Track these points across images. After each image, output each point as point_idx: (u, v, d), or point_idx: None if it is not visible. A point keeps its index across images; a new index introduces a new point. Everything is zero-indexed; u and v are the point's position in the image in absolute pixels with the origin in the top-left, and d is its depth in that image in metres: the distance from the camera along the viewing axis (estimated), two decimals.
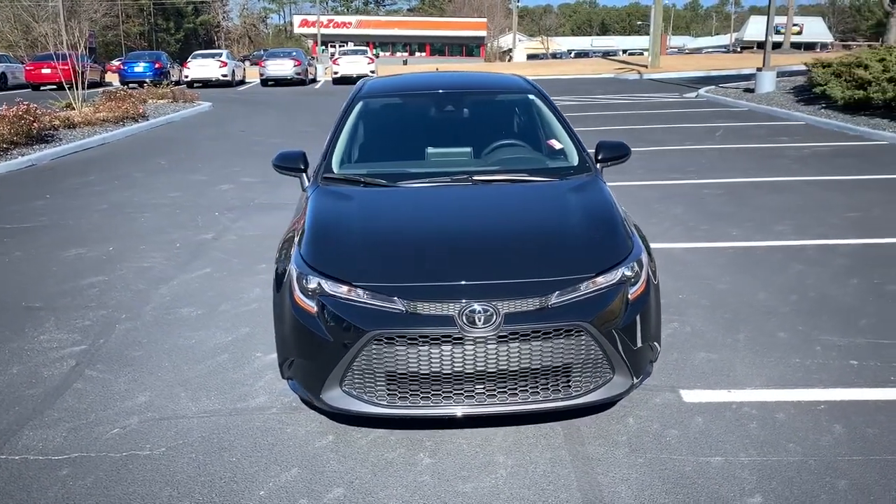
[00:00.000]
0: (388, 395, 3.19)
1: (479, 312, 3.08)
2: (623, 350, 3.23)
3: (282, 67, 31.99)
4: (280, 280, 3.55)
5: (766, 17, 19.57)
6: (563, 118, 4.67)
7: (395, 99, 4.91)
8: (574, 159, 4.31)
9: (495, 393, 3.17)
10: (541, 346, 3.11)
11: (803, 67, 22.79)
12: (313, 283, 3.30)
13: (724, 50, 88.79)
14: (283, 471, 3.19)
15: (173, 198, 8.99)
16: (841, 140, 12.32)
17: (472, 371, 3.12)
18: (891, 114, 13.39)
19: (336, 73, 32.76)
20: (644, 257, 3.46)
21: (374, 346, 3.11)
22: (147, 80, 26.60)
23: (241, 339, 4.60)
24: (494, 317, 3.08)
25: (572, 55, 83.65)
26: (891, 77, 13.59)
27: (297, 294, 3.34)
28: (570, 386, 3.21)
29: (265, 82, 32.63)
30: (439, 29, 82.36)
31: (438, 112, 4.87)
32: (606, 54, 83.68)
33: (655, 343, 3.49)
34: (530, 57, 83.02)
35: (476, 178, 4.04)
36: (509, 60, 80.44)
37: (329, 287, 3.26)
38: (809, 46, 77.22)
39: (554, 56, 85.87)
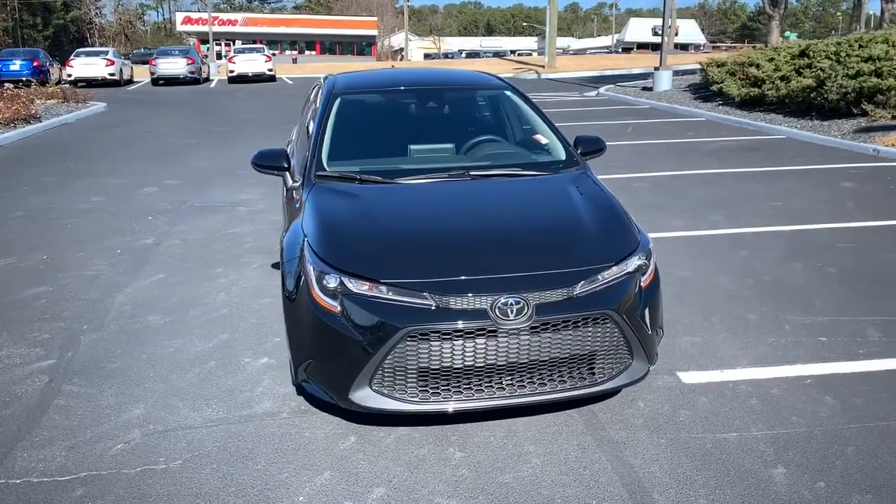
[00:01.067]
0: (420, 391, 3.18)
1: (512, 304, 3.11)
2: (640, 336, 3.35)
3: (174, 66, 30.79)
4: (293, 281, 3.46)
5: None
6: (541, 113, 4.77)
7: (374, 96, 4.86)
8: (560, 153, 4.41)
9: (525, 384, 3.22)
10: (570, 335, 3.19)
11: (692, 66, 24.09)
12: (334, 281, 3.24)
13: (606, 51, 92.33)
14: (316, 475, 3.12)
15: (98, 202, 8.53)
16: (743, 135, 13.09)
17: (504, 363, 3.15)
18: (784, 109, 14.34)
19: (232, 71, 31.85)
20: (651, 247, 3.60)
21: (407, 343, 3.09)
22: (24, 78, 24.98)
23: (223, 346, 4.45)
24: (526, 308, 3.12)
25: (463, 55, 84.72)
26: (783, 75, 14.56)
27: (318, 294, 3.27)
28: (594, 373, 3.30)
29: (156, 81, 31.32)
30: (330, 27, 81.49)
31: (420, 108, 4.86)
32: (497, 54, 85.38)
33: (660, 328, 3.64)
34: (427, 56, 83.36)
35: (473, 173, 4.07)
36: (401, 59, 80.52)
37: (353, 285, 3.21)
38: (684, 47, 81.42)
39: (446, 56, 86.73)
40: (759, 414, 3.53)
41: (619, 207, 3.83)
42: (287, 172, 4.34)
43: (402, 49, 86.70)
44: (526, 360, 3.16)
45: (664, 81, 19.89)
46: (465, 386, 3.18)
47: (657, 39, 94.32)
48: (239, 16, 78.30)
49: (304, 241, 3.53)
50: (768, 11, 26.40)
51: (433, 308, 3.12)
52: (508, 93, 4.96)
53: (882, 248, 6.14)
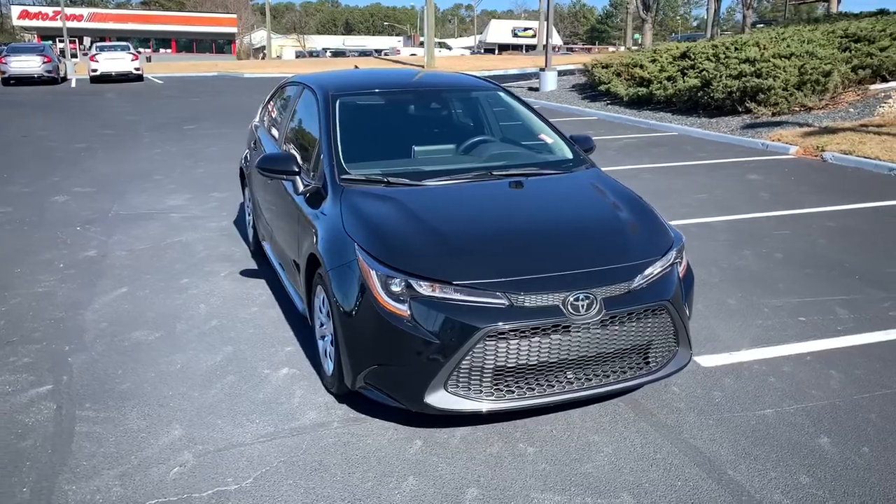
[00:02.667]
0: (495, 389, 3.22)
1: (583, 300, 3.22)
2: (685, 324, 3.55)
3: (29, 64, 28.52)
4: (347, 287, 3.39)
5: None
6: (536, 112, 4.89)
7: (371, 98, 4.80)
8: (567, 152, 4.55)
9: (590, 376, 3.33)
10: (633, 326, 3.33)
11: (570, 67, 25.10)
12: (400, 285, 3.22)
13: (470, 51, 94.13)
14: (400, 481, 3.09)
15: (7, 213, 7.85)
16: (639, 132, 13.83)
17: (574, 357, 3.25)
18: (671, 108, 15.27)
19: (95, 70, 29.90)
20: (684, 240, 3.81)
21: (486, 343, 3.12)
22: None
23: (233, 359, 4.27)
24: (595, 303, 3.23)
25: (328, 54, 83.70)
26: (669, 76, 15.50)
27: (383, 298, 3.23)
28: (648, 363, 3.46)
29: (7, 81, 28.90)
30: (186, 24, 78.26)
31: (419, 110, 4.86)
32: (363, 54, 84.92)
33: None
34: (299, 55, 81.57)
35: (496, 173, 4.13)
36: (262, 57, 78.47)
37: (423, 288, 3.20)
38: (529, 48, 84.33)
39: (311, 54, 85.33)
40: (782, 390, 3.82)
41: (648, 204, 4.02)
42: (297, 176, 4.22)
43: (264, 47, 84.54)
44: (594, 354, 3.27)
45: (550, 81, 20.62)
46: (537, 382, 3.25)
47: (518, 41, 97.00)
48: (85, 11, 73.32)
49: (354, 246, 3.46)
50: (642, 15, 28.00)
51: (508, 306, 3.16)
52: (501, 93, 5.05)
53: (811, 234, 6.73)
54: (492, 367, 3.17)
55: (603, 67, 18.09)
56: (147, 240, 6.80)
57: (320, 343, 3.98)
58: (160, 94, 23.72)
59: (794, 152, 11.06)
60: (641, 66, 16.70)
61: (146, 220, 7.51)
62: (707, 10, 34.67)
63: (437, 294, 3.20)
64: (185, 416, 3.64)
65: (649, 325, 3.38)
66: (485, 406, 3.21)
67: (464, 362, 3.15)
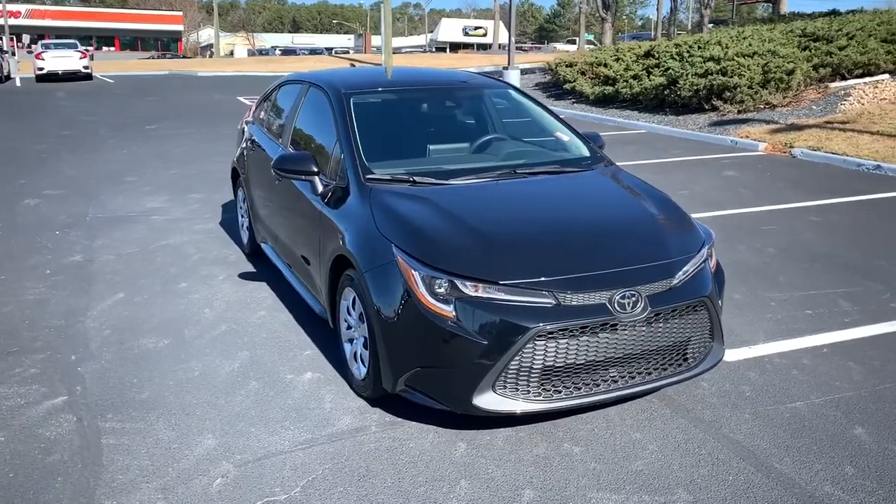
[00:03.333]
0: (543, 390, 3.20)
1: (629, 297, 3.22)
2: (719, 320, 3.58)
3: None
4: (386, 289, 3.33)
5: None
6: (547, 109, 4.88)
7: (383, 96, 4.72)
8: (583, 150, 4.55)
9: (634, 374, 3.33)
10: (676, 323, 3.34)
11: (529, 66, 25.24)
12: (444, 286, 3.18)
13: (421, 50, 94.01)
14: (453, 485, 3.05)
15: None
16: (609, 130, 13.96)
17: (620, 355, 3.25)
18: (637, 106, 15.48)
19: (41, 69, 28.93)
20: (714, 237, 3.85)
21: (535, 343, 3.10)
22: None
23: (252, 365, 4.16)
24: (640, 300, 3.24)
25: (278, 52, 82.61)
26: (635, 74, 15.70)
27: (428, 300, 3.18)
28: (687, 359, 3.48)
29: None
30: (130, 22, 76.54)
31: (432, 108, 4.80)
32: (314, 52, 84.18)
33: None
34: (252, 53, 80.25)
35: (519, 171, 4.11)
36: (210, 56, 77.01)
37: (468, 288, 3.16)
38: (485, 47, 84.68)
39: (261, 52, 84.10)
40: (808, 383, 3.89)
41: (675, 201, 4.04)
42: (316, 177, 4.12)
43: (211, 45, 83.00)
44: (639, 351, 3.28)
45: (513, 80, 20.67)
46: (583, 381, 3.24)
47: (469, 40, 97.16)
48: (23, 7, 70.91)
49: (391, 247, 3.40)
50: (601, 14, 28.30)
51: (555, 306, 3.14)
52: (511, 91, 5.03)
53: (798, 229, 6.88)
54: (540, 367, 3.14)
55: (567, 66, 18.24)
56: (133, 243, 6.59)
57: (347, 346, 3.91)
58: (113, 94, 23.08)
59: (763, 149, 11.31)
60: (606, 65, 16.89)
61: (127, 224, 7.28)
62: (658, 10, 35.31)
63: (483, 294, 3.16)
64: (215, 424, 3.53)
65: (689, 321, 3.40)
66: (533, 406, 3.18)
67: (512, 363, 3.12)
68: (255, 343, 4.45)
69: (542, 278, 3.19)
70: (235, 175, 6.32)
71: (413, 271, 3.25)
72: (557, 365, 3.16)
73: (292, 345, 4.42)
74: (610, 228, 3.69)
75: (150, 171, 10.05)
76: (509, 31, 21.09)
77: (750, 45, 14.40)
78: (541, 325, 3.08)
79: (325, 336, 4.49)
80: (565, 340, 3.13)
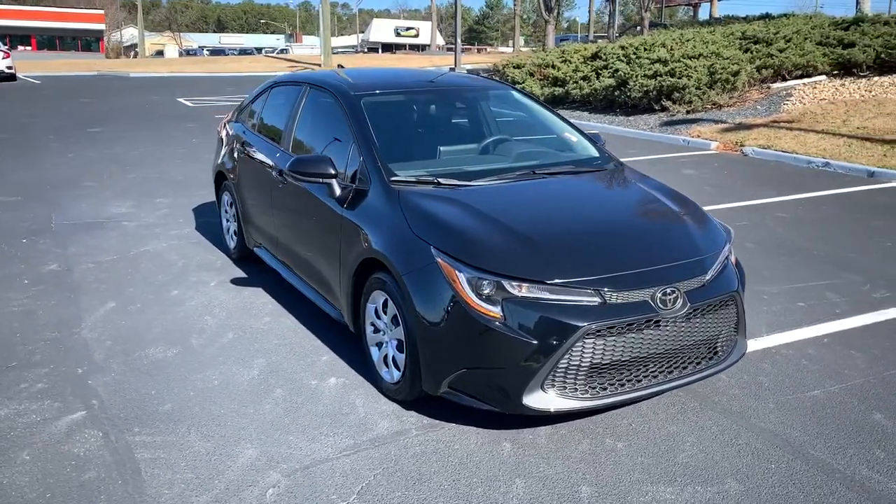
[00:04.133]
0: (589, 387, 3.24)
1: (669, 294, 3.29)
2: (744, 314, 3.70)
3: None
4: (427, 291, 3.32)
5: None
6: (550, 109, 4.94)
7: (391, 97, 4.69)
8: (592, 150, 4.63)
9: (671, 369, 3.41)
10: (710, 318, 3.44)
11: (471, 67, 25.41)
12: (491, 287, 3.19)
13: (353, 50, 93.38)
14: (509, 484, 3.07)
15: None
16: None
17: (661, 351, 3.32)
18: (588, 107, 15.78)
19: None
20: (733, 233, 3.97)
21: (584, 341, 3.14)
22: None
23: (272, 371, 4.09)
24: (679, 297, 3.32)
25: (206, 53, 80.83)
26: (584, 76, 16.00)
27: (474, 300, 3.19)
28: (717, 353, 3.58)
29: None
30: (48, 20, 73.54)
31: (440, 109, 4.80)
32: (244, 52, 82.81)
33: None
34: (183, 53, 78.15)
35: (537, 172, 4.15)
36: (134, 56, 74.73)
37: (515, 288, 3.18)
38: (425, 48, 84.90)
39: (189, 53, 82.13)
40: (819, 372, 4.05)
41: (692, 199, 4.15)
42: (334, 180, 4.07)
43: (135, 45, 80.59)
44: (677, 346, 3.36)
45: None
46: (626, 378, 3.30)
47: (401, 40, 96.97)
48: None
49: (430, 249, 3.39)
50: (544, 17, 28.68)
51: (599, 304, 3.19)
52: (514, 92, 5.07)
53: (769, 224, 7.15)
54: (588, 364, 3.19)
55: (515, 67, 18.44)
56: (110, 251, 6.37)
57: (374, 350, 3.88)
58: (42, 95, 22.15)
59: (716, 147, 11.69)
60: (554, 67, 17.14)
61: (98, 230, 7.03)
62: (589, 12, 36.03)
63: (530, 294, 3.18)
64: (250, 434, 3.45)
65: (720, 316, 3.50)
66: (580, 404, 3.22)
67: (561, 362, 3.15)
68: (268, 350, 4.36)
69: (587, 277, 3.23)
70: (220, 179, 6.17)
71: (458, 273, 3.25)
72: (604, 362, 3.21)
73: (307, 350, 4.35)
74: (641, 227, 3.77)
75: (107, 176, 9.71)
76: (455, 31, 21.21)
77: (694, 47, 14.86)
78: (590, 323, 3.13)
79: (339, 340, 4.45)
80: (612, 338, 3.18)
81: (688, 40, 15.65)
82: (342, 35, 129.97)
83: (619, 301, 3.21)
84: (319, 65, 32.59)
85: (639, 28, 25.34)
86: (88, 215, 7.62)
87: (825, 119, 12.00)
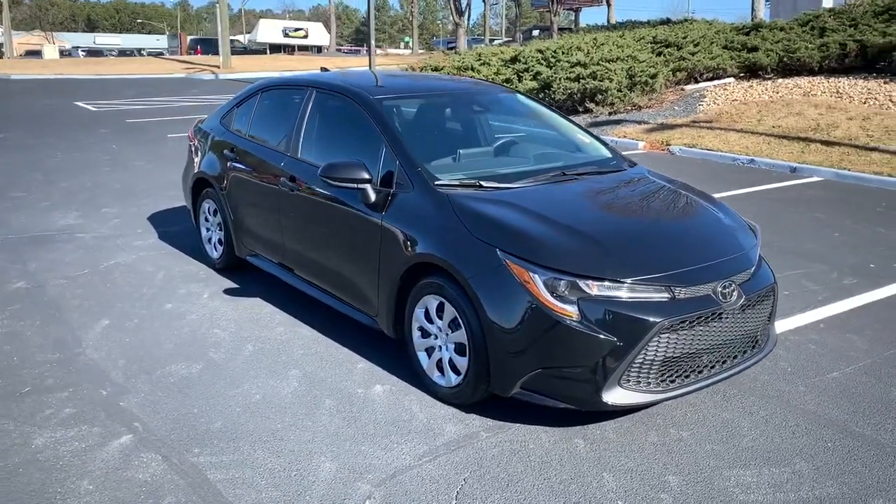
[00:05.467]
0: (661, 380, 3.36)
1: (728, 287, 3.46)
2: (776, 306, 3.93)
3: None
4: (498, 294, 3.35)
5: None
6: (560, 113, 5.05)
7: (410, 101, 4.65)
8: (604, 150, 4.76)
9: (727, 359, 3.59)
10: (758, 309, 3.64)
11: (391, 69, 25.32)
12: (566, 286, 3.26)
13: (241, 50, 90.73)
14: (599, 479, 3.14)
15: None
16: None
17: (719, 342, 3.48)
18: None
19: None
20: None
21: (660, 336, 3.26)
22: None
23: (311, 382, 4.00)
24: (735, 289, 3.50)
25: (81, 53, 76.69)
26: (506, 79, 16.29)
27: (550, 301, 3.25)
28: (757, 342, 3.79)
29: None
30: None
31: (456, 113, 4.81)
32: (123, 53, 79.28)
33: None
34: (65, 53, 73.38)
35: (567, 173, 4.24)
36: None
37: (590, 287, 3.26)
38: (319, 49, 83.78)
39: (63, 53, 77.56)
40: (829, 355, 4.34)
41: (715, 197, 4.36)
42: (369, 185, 4.02)
43: (1, 45, 75.32)
44: (731, 337, 3.53)
45: None
46: (691, 369, 3.44)
47: (289, 41, 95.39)
48: None
49: (495, 251, 3.42)
50: (455, 20, 28.92)
51: (669, 300, 3.32)
52: (519, 96, 5.15)
53: None
54: (661, 358, 3.31)
55: (434, 70, 18.54)
56: (76, 265, 6.00)
57: (422, 356, 3.86)
58: None
59: (643, 147, 12.20)
60: (473, 69, 17.37)
61: (52, 243, 6.60)
62: (485, 17, 36.57)
63: (605, 293, 3.27)
64: (319, 447, 3.37)
65: (763, 306, 3.70)
66: (654, 397, 3.34)
67: (637, 357, 3.26)
68: (297, 360, 4.26)
69: (657, 274, 3.35)
70: (200, 187, 5.93)
71: (531, 274, 3.29)
72: (675, 356, 3.34)
73: (339, 359, 4.28)
74: (688, 224, 3.92)
75: (35, 185, 9.11)
76: (370, 34, 21.08)
77: (611, 50, 15.43)
78: (664, 318, 3.24)
79: (367, 346, 4.40)
80: (684, 332, 3.31)
81: (602, 44, 16.23)
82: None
83: (686, 296, 3.35)
84: (219, 66, 31.60)
85: (534, 33, 26.00)
86: (34, 228, 7.14)
87: (741, 119, 12.75)
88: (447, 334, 3.68)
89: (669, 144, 11.96)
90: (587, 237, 3.51)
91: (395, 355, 4.27)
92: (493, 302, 3.37)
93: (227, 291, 5.39)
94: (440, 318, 3.71)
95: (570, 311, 3.24)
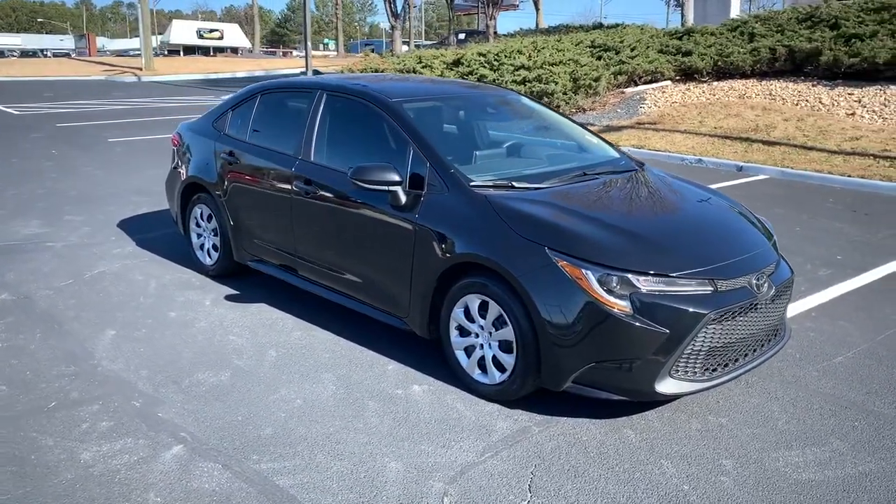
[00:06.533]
0: (705, 370, 3.53)
1: (761, 279, 3.66)
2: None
3: None
4: (549, 291, 3.44)
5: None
6: (561, 113, 5.18)
7: (425, 104, 4.68)
8: (612, 150, 4.92)
9: (757, 348, 3.78)
10: (782, 299, 3.85)
11: (327, 71, 25.09)
12: (618, 282, 3.38)
13: (154, 53, 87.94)
14: (659, 466, 3.26)
15: None
16: None
17: (752, 332, 3.67)
18: None
19: None
20: None
21: (708, 327, 3.42)
22: None
23: (348, 385, 4.00)
24: (766, 280, 3.70)
25: None
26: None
27: (604, 296, 3.36)
28: (777, 332, 4.00)
29: None
30: None
31: (470, 116, 4.86)
32: (25, 54, 76.06)
33: None
34: None
35: (588, 173, 4.37)
36: None
37: (641, 282, 3.39)
38: (234, 50, 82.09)
39: None
40: (829, 341, 4.62)
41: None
42: (400, 188, 4.04)
43: None
44: (762, 327, 3.73)
45: None
46: (729, 359, 3.62)
47: (204, 42, 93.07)
48: None
49: (544, 249, 3.51)
50: (391, 22, 28.80)
51: (712, 292, 3.48)
52: (523, 98, 5.25)
53: None
54: (706, 349, 3.47)
55: (375, 73, 18.49)
56: (57, 275, 5.77)
57: (460, 354, 3.92)
58: None
59: None
60: (415, 72, 17.43)
61: (22, 253, 6.33)
62: (409, 22, 36.66)
63: (655, 287, 3.40)
64: (379, 448, 3.38)
65: (785, 297, 3.92)
66: (699, 386, 3.50)
67: (686, 348, 3.41)
68: (326, 364, 4.24)
69: (701, 268, 3.51)
70: (191, 192, 5.78)
71: (585, 271, 3.39)
72: (718, 345, 3.50)
73: (367, 361, 4.28)
74: (716, 219, 4.10)
75: None
76: (305, 35, 20.83)
77: (552, 54, 15.78)
78: (711, 310, 3.40)
79: (390, 347, 4.44)
80: (726, 323, 3.48)
81: (542, 48, 16.57)
82: (135, 37, 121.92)
83: (727, 288, 3.52)
84: (141, 68, 30.59)
85: (459, 36, 26.24)
86: (5, 236, 6.82)
87: (683, 120, 13.27)
88: (490, 332, 3.75)
89: (618, 146, 12.31)
90: (631, 234, 3.63)
91: (422, 355, 4.31)
92: (545, 300, 3.45)
93: (230, 298, 5.30)
94: (482, 316, 3.77)
95: (623, 305, 3.35)
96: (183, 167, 5.84)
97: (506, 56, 16.30)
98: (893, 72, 12.83)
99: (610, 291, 3.36)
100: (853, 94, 12.87)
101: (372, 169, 4.02)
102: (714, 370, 3.55)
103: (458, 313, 3.87)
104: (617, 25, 20.31)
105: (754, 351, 3.75)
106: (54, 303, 5.16)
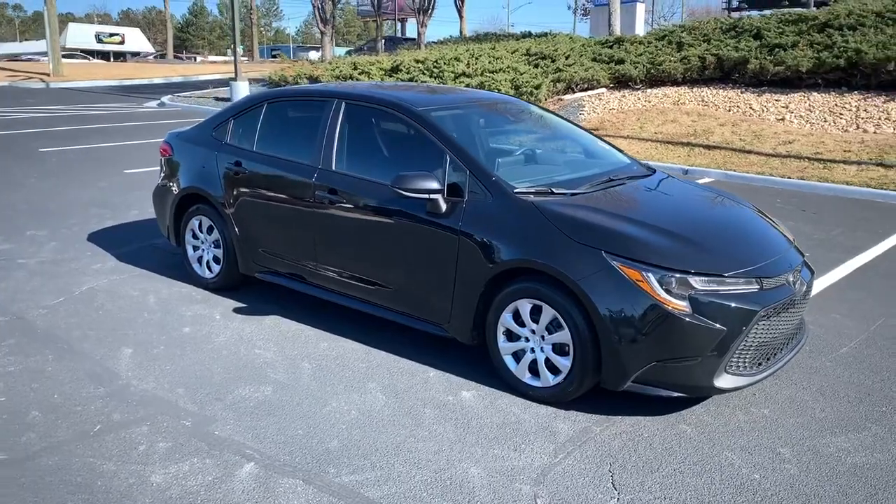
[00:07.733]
0: (754, 364, 3.71)
1: (795, 277, 3.89)
2: None
3: None
4: (609, 294, 3.55)
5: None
6: (568, 120, 5.31)
7: (449, 112, 4.70)
8: (623, 156, 5.08)
9: (788, 342, 4.00)
10: (807, 296, 4.09)
11: (257, 76, 24.56)
12: (676, 283, 3.53)
13: (46, 58, 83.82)
14: (724, 458, 3.42)
15: None
16: None
17: (789, 327, 3.89)
18: None
19: None
20: None
21: (759, 323, 3.60)
22: None
23: (394, 394, 3.99)
24: (798, 278, 3.93)
25: None
26: None
27: (665, 297, 3.50)
28: (801, 327, 4.25)
29: None
30: None
31: (489, 123, 4.92)
32: None
33: None
34: None
35: (613, 178, 4.51)
36: None
37: (699, 283, 3.55)
38: (135, 55, 79.17)
39: None
40: (830, 333, 4.91)
41: None
42: (440, 195, 4.07)
43: None
44: (795, 322, 3.95)
45: (243, 91, 20.05)
46: (771, 353, 3.82)
47: (103, 47, 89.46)
48: None
49: (601, 253, 3.61)
50: (320, 28, 28.39)
51: (759, 290, 3.68)
52: (532, 106, 5.35)
53: None
54: (756, 344, 3.65)
55: (309, 79, 18.28)
56: (42, 292, 5.49)
57: (509, 359, 3.97)
58: None
59: None
60: (351, 78, 17.34)
61: (24, 268, 6.00)
62: (376, 25, 36.40)
63: (710, 287, 3.56)
64: (454, 455, 3.40)
65: (808, 294, 4.17)
66: (751, 380, 3.68)
67: (741, 344, 3.58)
68: (365, 374, 4.22)
69: (749, 267, 3.70)
70: (187, 203, 5.60)
71: (644, 273, 3.52)
72: (766, 340, 3.70)
73: (406, 369, 4.28)
74: (746, 221, 4.29)
75: None
76: (234, 41, 20.36)
77: (490, 62, 16.02)
78: (762, 307, 3.59)
79: (427, 354, 4.46)
80: (773, 318, 3.68)
81: (479, 56, 16.80)
82: (27, 40, 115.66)
83: (770, 286, 3.72)
84: (48, 73, 29.13)
85: (419, 43, 26.25)
86: None
87: (624, 126, 13.73)
88: (543, 336, 3.82)
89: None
90: (679, 236, 3.78)
91: (458, 360, 4.35)
92: (606, 302, 3.56)
93: (239, 311, 5.18)
94: (535, 321, 3.84)
95: (683, 305, 3.50)
96: (177, 177, 5.66)
97: (445, 63, 16.43)
98: (814, 80, 13.67)
99: (669, 292, 3.50)
100: (780, 100, 13.65)
101: (413, 177, 4.03)
102: (760, 364, 3.74)
103: (506, 318, 3.93)
104: (546, 34, 20.79)
105: (787, 345, 3.97)
106: (53, 322, 4.92)
